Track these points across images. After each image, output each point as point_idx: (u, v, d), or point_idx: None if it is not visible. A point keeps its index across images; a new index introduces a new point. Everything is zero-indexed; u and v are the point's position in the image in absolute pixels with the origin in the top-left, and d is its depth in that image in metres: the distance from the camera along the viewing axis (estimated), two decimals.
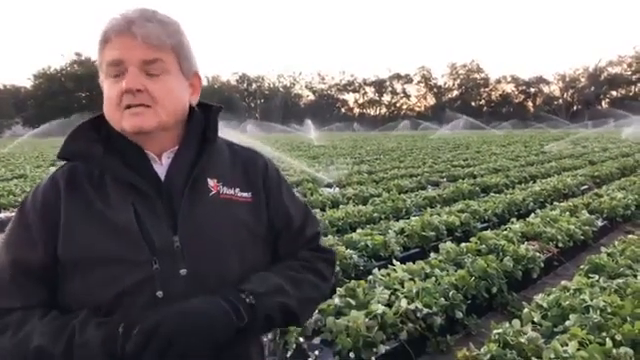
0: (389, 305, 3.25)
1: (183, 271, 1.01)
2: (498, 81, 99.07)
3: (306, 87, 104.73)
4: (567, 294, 3.36)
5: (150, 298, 0.98)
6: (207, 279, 1.02)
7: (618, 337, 2.69)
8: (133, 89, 0.99)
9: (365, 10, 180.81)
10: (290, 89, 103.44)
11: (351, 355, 2.77)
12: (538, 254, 4.62)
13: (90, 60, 75.99)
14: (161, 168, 1.08)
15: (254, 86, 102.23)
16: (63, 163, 1.10)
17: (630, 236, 5.07)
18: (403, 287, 3.51)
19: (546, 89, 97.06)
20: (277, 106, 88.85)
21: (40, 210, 1.02)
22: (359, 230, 5.30)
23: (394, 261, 4.20)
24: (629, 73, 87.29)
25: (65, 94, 75.75)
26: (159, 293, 0.99)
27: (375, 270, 3.95)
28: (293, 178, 10.92)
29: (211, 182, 1.10)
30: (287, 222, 1.20)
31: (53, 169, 1.23)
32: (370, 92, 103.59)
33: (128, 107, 1.01)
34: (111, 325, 0.94)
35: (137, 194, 1.03)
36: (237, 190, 1.12)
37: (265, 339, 1.20)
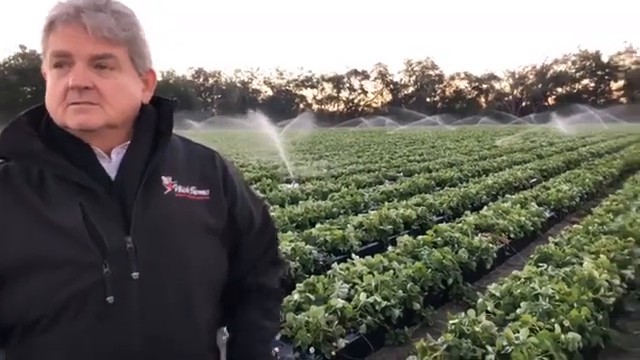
0: (349, 299, 3.28)
1: (135, 274, 0.94)
2: (452, 77, 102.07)
3: (264, 82, 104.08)
4: (518, 283, 3.49)
5: (100, 304, 0.92)
6: (161, 282, 0.97)
7: (566, 323, 2.82)
8: (80, 86, 0.91)
9: (323, 5, 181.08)
10: (248, 84, 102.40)
11: (311, 350, 2.77)
12: (491, 245, 4.78)
13: (35, 53, 72.29)
14: (110, 165, 1.00)
15: (211, 81, 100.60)
16: None
17: (575, 226, 5.32)
18: (362, 281, 3.54)
19: (497, 85, 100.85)
20: (234, 101, 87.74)
21: None
22: (318, 225, 5.32)
23: (353, 255, 4.24)
24: (573, 71, 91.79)
25: (8, 89, 71.84)
26: (110, 299, 0.92)
27: (334, 265, 3.97)
28: (252, 174, 10.83)
29: (166, 180, 1.03)
30: (250, 223, 1.17)
31: None
32: (328, 88, 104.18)
33: (73, 103, 0.92)
34: None
35: (84, 193, 0.95)
36: (193, 188, 1.06)
37: (224, 337, 1.15)
